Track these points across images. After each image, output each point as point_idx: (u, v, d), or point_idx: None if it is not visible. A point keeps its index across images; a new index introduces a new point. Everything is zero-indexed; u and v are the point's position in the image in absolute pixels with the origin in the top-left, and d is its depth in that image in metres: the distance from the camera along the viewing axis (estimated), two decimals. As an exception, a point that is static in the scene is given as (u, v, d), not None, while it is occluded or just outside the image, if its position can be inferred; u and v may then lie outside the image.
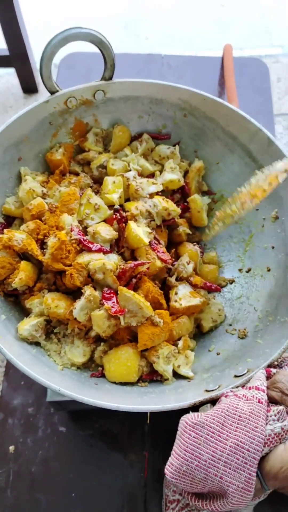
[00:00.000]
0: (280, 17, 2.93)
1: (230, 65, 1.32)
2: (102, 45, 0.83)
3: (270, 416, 0.56)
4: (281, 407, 0.57)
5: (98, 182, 0.93)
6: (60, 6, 2.84)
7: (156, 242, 0.85)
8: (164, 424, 0.97)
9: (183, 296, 0.83)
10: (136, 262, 0.79)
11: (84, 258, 0.78)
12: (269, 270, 0.87)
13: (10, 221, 0.88)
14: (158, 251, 0.83)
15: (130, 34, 2.76)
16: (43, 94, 2.39)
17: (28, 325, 0.76)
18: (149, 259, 0.80)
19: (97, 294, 0.76)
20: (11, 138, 0.83)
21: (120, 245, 0.83)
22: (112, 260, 0.79)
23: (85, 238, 0.81)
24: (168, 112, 0.93)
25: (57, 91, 0.85)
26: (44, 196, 0.86)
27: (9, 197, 0.87)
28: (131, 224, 0.82)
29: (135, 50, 2.64)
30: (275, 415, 0.56)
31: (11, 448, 0.94)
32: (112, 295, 0.77)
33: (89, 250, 0.80)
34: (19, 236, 0.79)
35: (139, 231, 0.81)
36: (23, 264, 0.79)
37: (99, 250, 0.80)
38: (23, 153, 0.87)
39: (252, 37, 2.83)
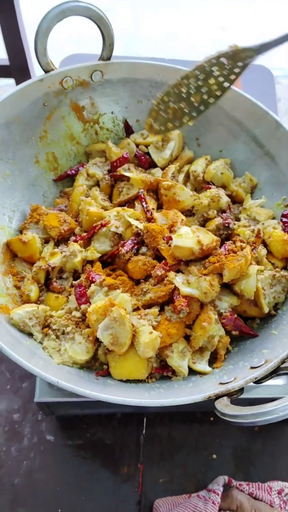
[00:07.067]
0: (280, 40, 2.96)
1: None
2: (100, 21, 0.79)
3: None
4: None
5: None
6: (62, 23, 2.87)
7: None
8: (162, 435, 0.89)
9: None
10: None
11: None
12: None
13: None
14: None
15: (130, 52, 2.78)
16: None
17: (23, 310, 0.69)
18: None
19: (124, 313, 0.67)
20: (1, 117, 0.78)
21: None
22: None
23: None
24: (168, 97, 0.88)
25: (52, 69, 0.81)
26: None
27: None
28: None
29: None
30: None
31: (-8, 458, 0.85)
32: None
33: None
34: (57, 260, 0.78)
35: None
36: None
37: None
38: (14, 135, 0.81)
39: (252, 59, 2.85)
